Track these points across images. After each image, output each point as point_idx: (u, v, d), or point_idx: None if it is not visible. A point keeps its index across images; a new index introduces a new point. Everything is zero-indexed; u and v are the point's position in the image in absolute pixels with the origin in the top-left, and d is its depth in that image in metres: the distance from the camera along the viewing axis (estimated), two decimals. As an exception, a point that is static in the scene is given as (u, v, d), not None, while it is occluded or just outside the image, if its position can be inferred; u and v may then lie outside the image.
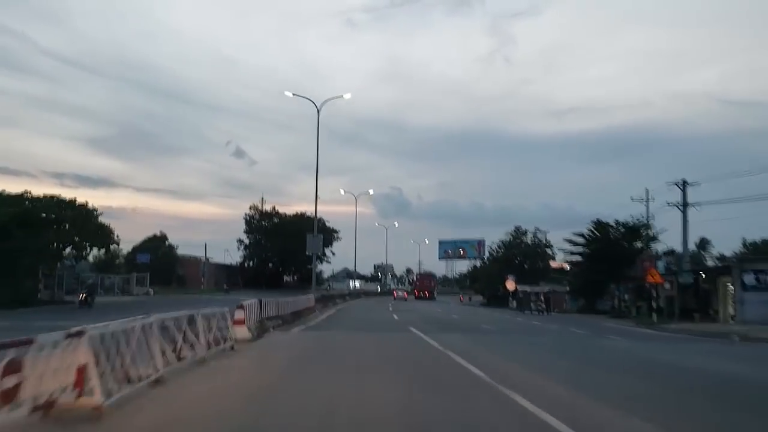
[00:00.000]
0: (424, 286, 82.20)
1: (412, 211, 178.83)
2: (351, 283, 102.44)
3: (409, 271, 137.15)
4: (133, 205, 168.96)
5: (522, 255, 69.36)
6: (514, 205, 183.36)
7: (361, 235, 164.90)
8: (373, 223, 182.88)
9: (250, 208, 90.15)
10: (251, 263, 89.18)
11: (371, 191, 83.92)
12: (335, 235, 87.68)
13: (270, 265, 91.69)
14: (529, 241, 71.38)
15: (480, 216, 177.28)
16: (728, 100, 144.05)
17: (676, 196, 38.39)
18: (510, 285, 52.44)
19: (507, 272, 58.09)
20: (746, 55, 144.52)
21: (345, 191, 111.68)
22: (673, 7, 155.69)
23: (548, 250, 69.88)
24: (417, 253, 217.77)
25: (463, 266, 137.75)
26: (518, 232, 71.85)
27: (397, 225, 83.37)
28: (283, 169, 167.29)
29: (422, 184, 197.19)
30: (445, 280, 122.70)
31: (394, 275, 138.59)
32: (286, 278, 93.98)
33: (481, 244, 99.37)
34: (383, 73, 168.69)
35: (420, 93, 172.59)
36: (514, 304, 51.44)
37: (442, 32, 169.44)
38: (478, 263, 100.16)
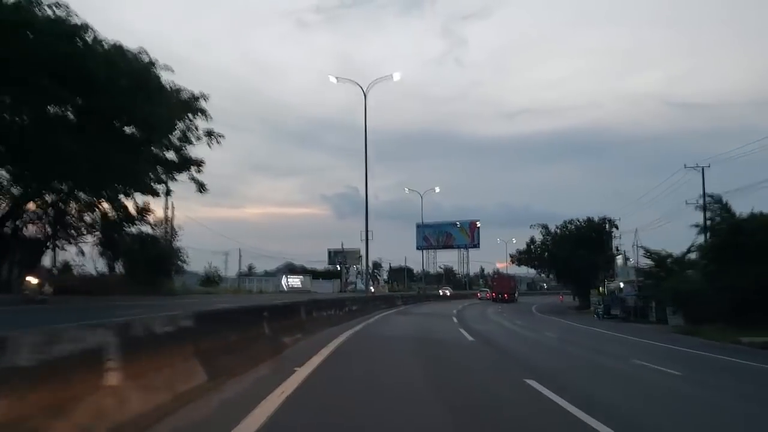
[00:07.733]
0: (503, 287, 71.44)
1: (369, 210, 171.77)
2: (284, 280, 76.99)
3: (377, 265, 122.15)
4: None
5: None
6: (471, 204, 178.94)
7: (315, 236, 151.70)
8: (326, 226, 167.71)
9: None
10: None
11: (437, 189, 73.84)
12: (198, 102, 29.82)
13: None
14: None
15: (438, 215, 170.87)
16: (674, 101, 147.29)
17: None
18: None
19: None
20: (691, 57, 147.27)
21: (410, 190, 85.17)
22: (621, 9, 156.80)
23: None
24: (383, 248, 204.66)
25: (448, 256, 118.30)
26: None
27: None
28: (234, 170, 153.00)
29: (379, 184, 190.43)
30: (426, 276, 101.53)
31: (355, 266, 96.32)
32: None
33: (473, 226, 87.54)
34: (336, 73, 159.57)
35: (374, 94, 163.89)
36: None
37: (394, 34, 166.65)
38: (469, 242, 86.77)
